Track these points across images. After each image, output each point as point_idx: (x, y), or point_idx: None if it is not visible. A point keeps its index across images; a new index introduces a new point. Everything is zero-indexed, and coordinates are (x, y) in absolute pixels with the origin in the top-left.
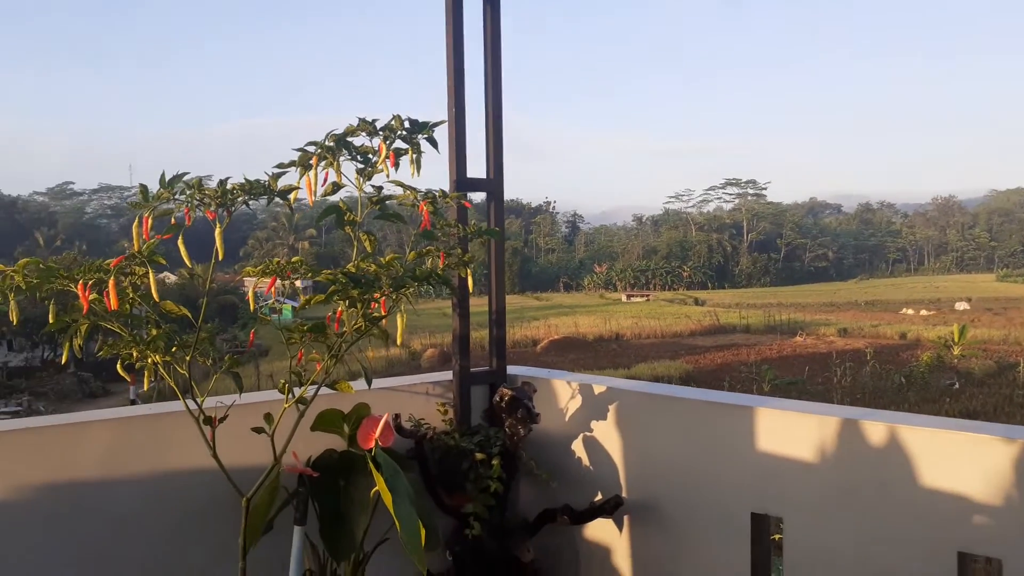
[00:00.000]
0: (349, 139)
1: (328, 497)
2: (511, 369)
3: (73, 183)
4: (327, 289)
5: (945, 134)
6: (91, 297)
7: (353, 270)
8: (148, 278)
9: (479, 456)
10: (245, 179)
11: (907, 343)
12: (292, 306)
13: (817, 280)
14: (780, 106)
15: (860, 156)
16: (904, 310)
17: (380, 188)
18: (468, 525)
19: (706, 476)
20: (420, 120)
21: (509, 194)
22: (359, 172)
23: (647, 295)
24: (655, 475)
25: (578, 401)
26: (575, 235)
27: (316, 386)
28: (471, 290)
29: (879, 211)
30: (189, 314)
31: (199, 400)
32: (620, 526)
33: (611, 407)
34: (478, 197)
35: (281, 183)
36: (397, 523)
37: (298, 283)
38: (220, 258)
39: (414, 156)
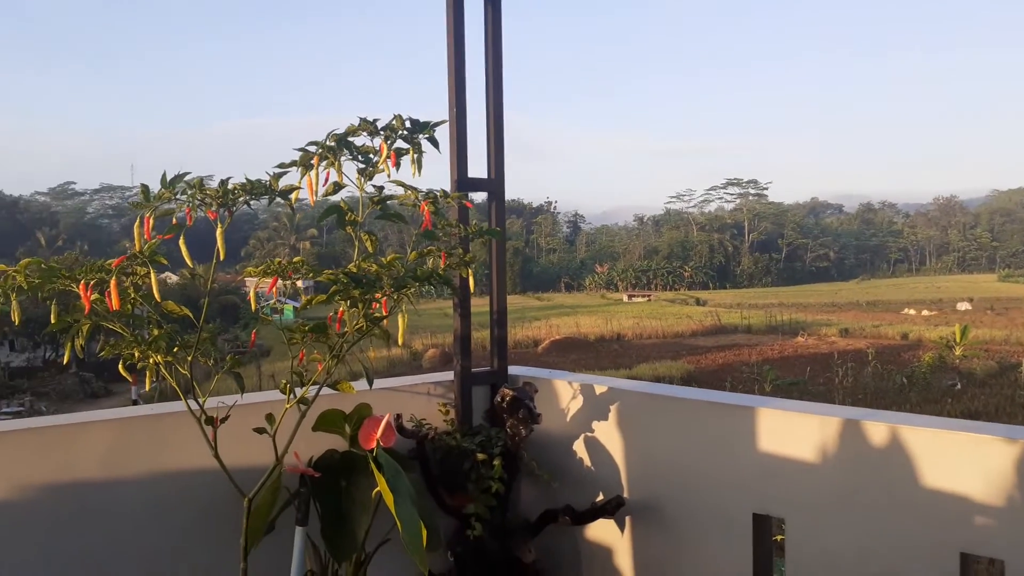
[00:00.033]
0: (350, 139)
1: (330, 497)
2: (512, 369)
3: (74, 183)
4: (328, 289)
5: (946, 133)
6: (93, 297)
7: (354, 270)
8: (150, 278)
9: (480, 456)
10: (246, 179)
11: (909, 343)
12: (293, 306)
13: (818, 280)
14: (781, 106)
15: (861, 156)
16: (906, 310)
17: (381, 188)
18: (469, 525)
19: (708, 477)
20: (421, 120)
21: (510, 194)
22: (360, 172)
23: (648, 295)
24: (657, 475)
25: (579, 401)
26: (576, 235)
27: (318, 386)
28: (472, 290)
29: (880, 211)
30: (191, 314)
31: (201, 400)
32: (622, 527)
33: (612, 407)
34: (479, 197)
35: (282, 183)
36: (399, 523)
37: (299, 283)
38: (221, 258)
39: (415, 156)
